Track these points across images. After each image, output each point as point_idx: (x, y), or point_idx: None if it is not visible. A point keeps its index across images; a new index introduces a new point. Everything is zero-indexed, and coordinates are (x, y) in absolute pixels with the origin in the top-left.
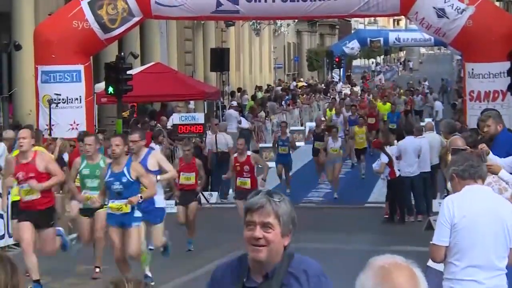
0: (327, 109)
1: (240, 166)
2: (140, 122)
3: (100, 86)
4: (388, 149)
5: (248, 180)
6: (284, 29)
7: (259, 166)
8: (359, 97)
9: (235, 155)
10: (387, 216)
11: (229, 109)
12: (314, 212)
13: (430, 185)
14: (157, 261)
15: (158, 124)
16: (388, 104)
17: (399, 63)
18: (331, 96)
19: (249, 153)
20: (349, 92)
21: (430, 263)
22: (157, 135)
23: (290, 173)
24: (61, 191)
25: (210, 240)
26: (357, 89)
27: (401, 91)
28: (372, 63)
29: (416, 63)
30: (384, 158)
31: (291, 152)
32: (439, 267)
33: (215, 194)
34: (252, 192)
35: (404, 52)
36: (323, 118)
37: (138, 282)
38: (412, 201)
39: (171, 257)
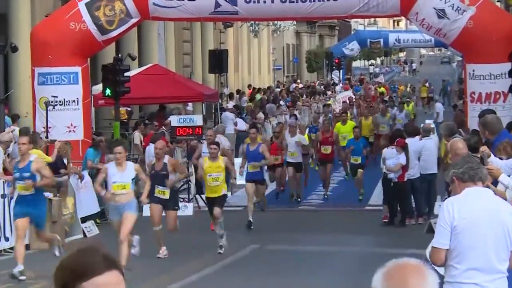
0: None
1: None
2: (141, 123)
3: (98, 88)
4: (388, 151)
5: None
6: (287, 26)
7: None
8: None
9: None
10: (386, 221)
11: (225, 111)
12: (314, 215)
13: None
14: (150, 267)
15: (163, 127)
16: (350, 124)
17: (400, 64)
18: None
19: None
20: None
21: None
22: (157, 138)
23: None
24: (58, 194)
25: (208, 243)
26: (344, 95)
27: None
28: (371, 65)
29: (416, 64)
30: (402, 159)
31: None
32: (442, 270)
33: None
34: None
35: (404, 53)
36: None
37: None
38: (413, 203)
39: (164, 261)
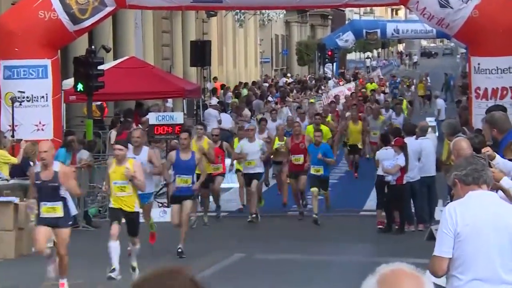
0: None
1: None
2: (117, 121)
3: (69, 82)
4: (383, 152)
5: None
6: (275, 15)
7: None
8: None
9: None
10: (381, 227)
11: (208, 107)
12: (306, 221)
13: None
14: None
15: (139, 125)
16: (324, 129)
17: (399, 56)
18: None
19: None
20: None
21: (428, 274)
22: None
23: None
24: (25, 199)
25: (190, 252)
26: (338, 91)
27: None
28: (367, 57)
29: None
30: (401, 161)
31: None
32: (441, 281)
33: None
34: None
35: (403, 45)
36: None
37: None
38: (412, 208)
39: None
